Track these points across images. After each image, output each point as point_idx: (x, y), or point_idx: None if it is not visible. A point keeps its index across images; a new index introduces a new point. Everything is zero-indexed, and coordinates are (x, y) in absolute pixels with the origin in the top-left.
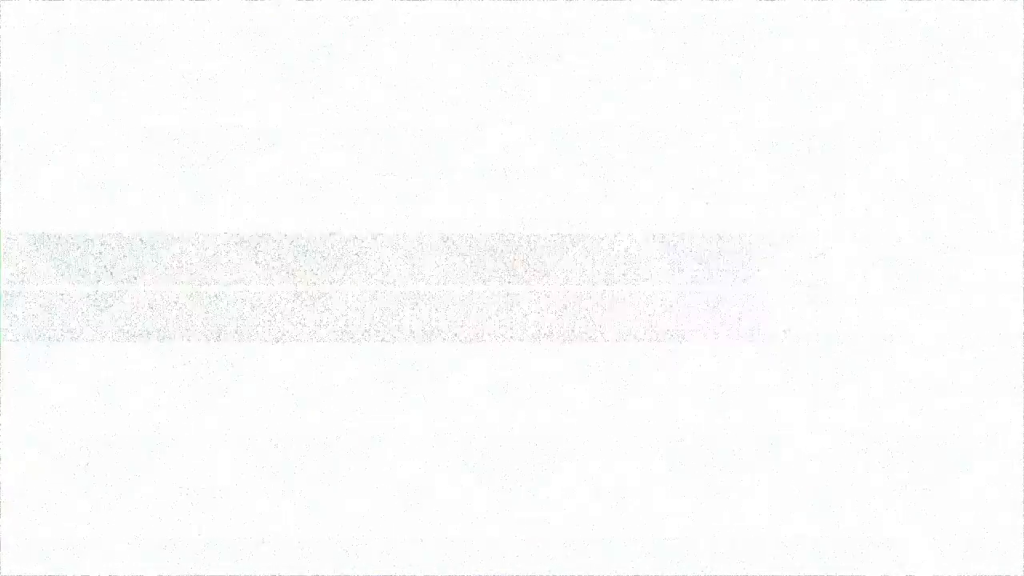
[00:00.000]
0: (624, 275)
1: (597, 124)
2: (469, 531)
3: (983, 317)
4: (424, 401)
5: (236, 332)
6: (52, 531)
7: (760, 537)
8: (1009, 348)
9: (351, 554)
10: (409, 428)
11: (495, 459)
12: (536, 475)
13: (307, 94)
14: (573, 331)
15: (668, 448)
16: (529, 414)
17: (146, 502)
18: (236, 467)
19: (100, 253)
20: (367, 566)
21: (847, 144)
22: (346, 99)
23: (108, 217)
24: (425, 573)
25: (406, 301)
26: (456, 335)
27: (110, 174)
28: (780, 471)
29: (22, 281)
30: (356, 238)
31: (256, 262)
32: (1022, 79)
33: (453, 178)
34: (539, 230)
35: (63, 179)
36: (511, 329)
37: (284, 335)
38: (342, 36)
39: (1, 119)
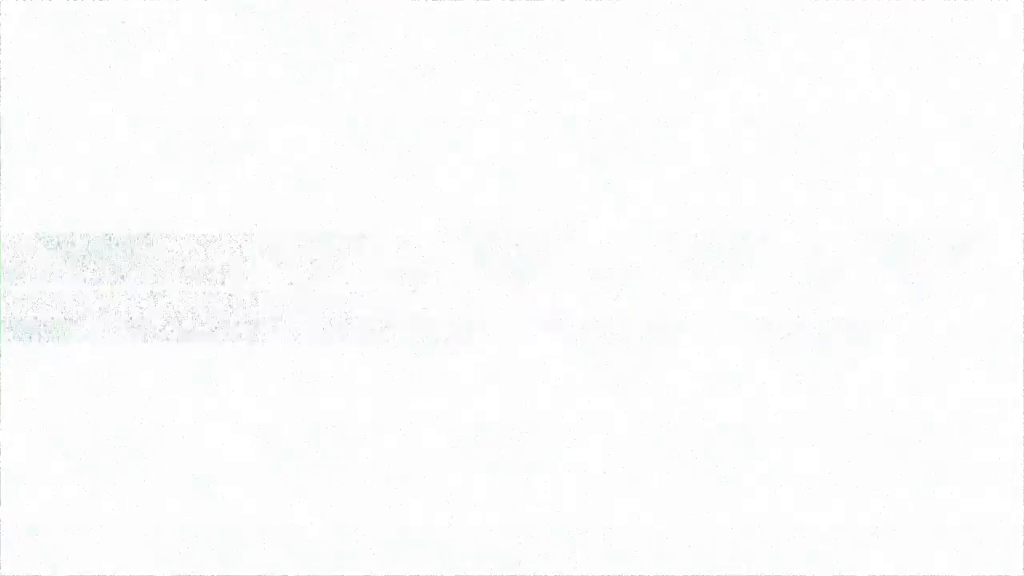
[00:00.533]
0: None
1: (597, 115)
2: (467, 522)
3: (983, 309)
4: (423, 391)
5: (237, 325)
6: (51, 522)
7: (756, 530)
8: (1010, 340)
9: (349, 547)
10: (409, 418)
11: (494, 448)
12: (533, 464)
13: (306, 83)
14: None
15: (665, 440)
16: (526, 403)
17: (147, 494)
18: (234, 460)
19: (96, 248)
20: (366, 558)
21: (846, 135)
22: (345, 88)
23: (105, 212)
24: (427, 567)
25: (405, 292)
26: (454, 325)
27: (106, 167)
28: (778, 463)
29: (19, 277)
30: (352, 234)
31: (264, 258)
32: (1022, 73)
33: (452, 168)
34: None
35: (60, 173)
36: (513, 319)
37: (283, 328)
38: (342, 24)
39: (1, 117)
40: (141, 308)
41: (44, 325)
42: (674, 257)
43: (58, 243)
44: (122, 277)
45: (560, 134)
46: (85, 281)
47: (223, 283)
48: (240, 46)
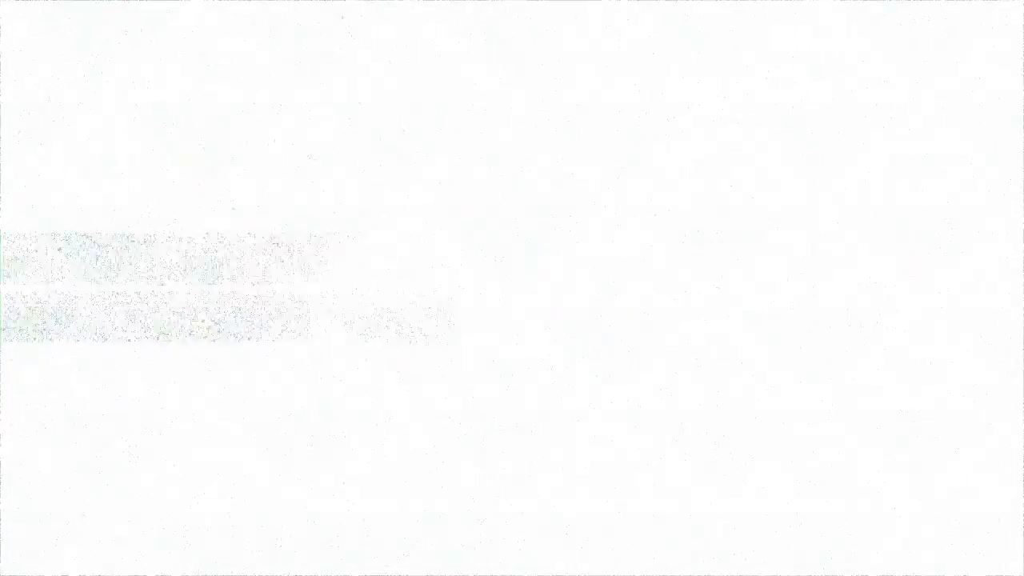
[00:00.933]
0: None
1: (595, 107)
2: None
3: (983, 299)
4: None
5: (234, 324)
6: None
7: (756, 524)
8: (1009, 330)
9: (348, 545)
10: (407, 410)
11: (495, 440)
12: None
13: (305, 75)
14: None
15: (667, 429)
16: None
17: (144, 490)
18: (233, 458)
19: (95, 247)
20: (365, 557)
21: (846, 127)
22: (343, 86)
23: (104, 209)
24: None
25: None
26: (452, 321)
27: (106, 166)
28: (777, 459)
29: (19, 275)
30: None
31: (262, 255)
32: (1022, 65)
33: (449, 159)
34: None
35: (60, 172)
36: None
37: (280, 327)
38: (341, 24)
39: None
40: (141, 306)
41: (44, 323)
42: (674, 250)
43: (58, 242)
44: (118, 275)
45: (559, 131)
46: (85, 279)
47: (223, 281)
48: (240, 47)
